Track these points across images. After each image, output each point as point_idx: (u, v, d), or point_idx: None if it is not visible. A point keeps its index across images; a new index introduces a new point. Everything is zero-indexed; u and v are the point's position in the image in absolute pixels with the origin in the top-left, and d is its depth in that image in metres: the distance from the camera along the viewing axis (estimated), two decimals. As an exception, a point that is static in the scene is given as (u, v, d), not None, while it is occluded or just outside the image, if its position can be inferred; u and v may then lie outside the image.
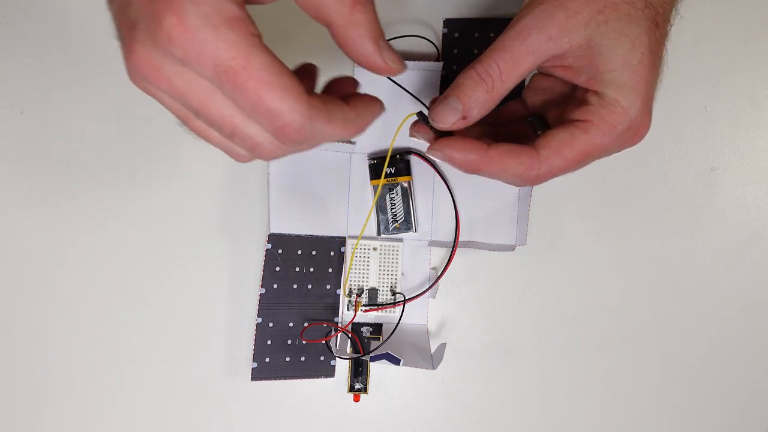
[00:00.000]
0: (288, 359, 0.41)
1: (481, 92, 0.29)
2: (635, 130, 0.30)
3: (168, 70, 0.22)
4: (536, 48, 0.29)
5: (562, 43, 0.28)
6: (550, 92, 0.35)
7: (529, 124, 0.34)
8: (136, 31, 0.22)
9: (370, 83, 0.40)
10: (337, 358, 0.42)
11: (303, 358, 0.41)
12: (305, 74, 0.29)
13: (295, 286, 0.41)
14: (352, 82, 0.30)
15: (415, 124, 0.34)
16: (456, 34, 0.41)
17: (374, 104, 0.28)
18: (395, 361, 0.38)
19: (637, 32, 0.28)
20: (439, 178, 0.41)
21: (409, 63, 0.40)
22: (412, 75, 0.41)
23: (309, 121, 0.23)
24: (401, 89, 0.38)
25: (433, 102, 0.32)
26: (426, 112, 0.32)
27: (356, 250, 0.42)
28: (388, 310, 0.42)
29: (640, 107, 0.29)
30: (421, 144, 0.42)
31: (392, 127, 0.41)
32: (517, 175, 0.30)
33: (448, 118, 0.30)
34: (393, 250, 0.42)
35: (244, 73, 0.21)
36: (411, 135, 0.35)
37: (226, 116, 0.23)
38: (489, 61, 0.29)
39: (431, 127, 0.32)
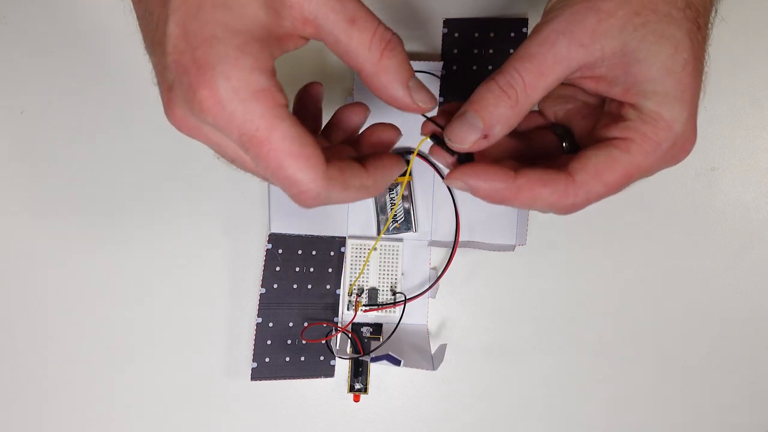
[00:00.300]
0: (288, 359, 0.41)
1: (503, 107, 0.26)
2: (681, 146, 0.27)
3: (204, 129, 0.24)
4: (565, 56, 0.25)
5: (595, 50, 0.25)
6: (572, 101, 0.31)
7: (553, 132, 0.31)
8: (172, 92, 0.24)
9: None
10: (337, 358, 0.42)
11: (303, 358, 0.41)
12: (332, 127, 0.30)
13: (295, 286, 0.41)
14: (394, 133, 0.30)
15: (431, 147, 0.30)
16: (456, 34, 0.41)
17: (393, 167, 0.28)
18: (396, 362, 0.38)
19: (679, 35, 0.25)
20: (439, 178, 0.41)
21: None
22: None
23: (325, 191, 0.24)
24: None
25: (443, 115, 0.29)
26: (435, 122, 0.29)
27: (356, 250, 0.42)
28: (388, 310, 0.42)
29: (686, 119, 0.26)
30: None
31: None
32: (550, 204, 0.27)
33: (467, 137, 0.27)
34: (393, 250, 0.42)
35: (267, 143, 0.23)
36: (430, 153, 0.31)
37: (257, 169, 0.25)
38: (512, 72, 0.26)
39: (447, 149, 0.28)
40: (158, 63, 0.24)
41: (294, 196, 0.25)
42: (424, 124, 0.29)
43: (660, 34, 0.25)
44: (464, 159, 0.28)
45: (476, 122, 0.26)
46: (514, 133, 0.31)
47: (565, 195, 0.26)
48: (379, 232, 0.42)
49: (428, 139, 0.29)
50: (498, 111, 0.26)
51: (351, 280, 0.42)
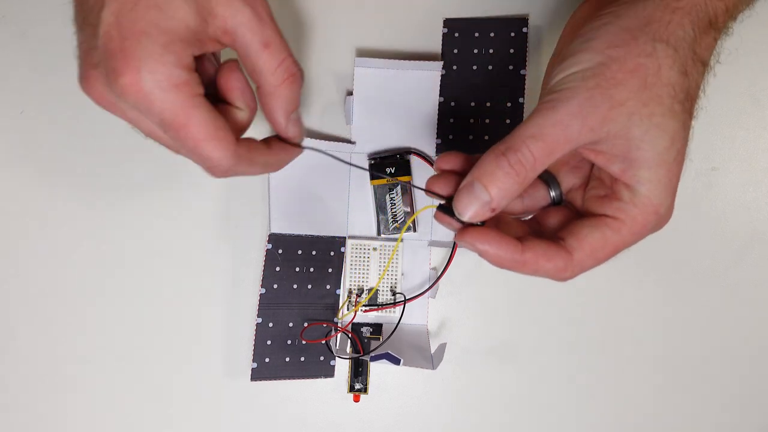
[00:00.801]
0: (288, 359, 0.41)
1: (512, 183, 0.27)
2: (660, 224, 0.30)
3: (121, 106, 0.28)
4: (575, 137, 0.27)
5: (602, 132, 0.27)
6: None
7: (541, 178, 0.32)
8: (97, 70, 0.27)
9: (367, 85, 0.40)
10: (337, 358, 0.42)
11: (303, 358, 0.41)
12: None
13: (295, 286, 0.41)
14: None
15: (437, 213, 0.30)
16: (456, 34, 0.41)
17: (292, 151, 0.32)
18: (395, 361, 0.38)
19: (677, 128, 0.28)
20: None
21: (409, 63, 0.40)
22: (413, 74, 0.41)
23: (234, 166, 0.28)
24: (404, 87, 0.38)
25: (443, 177, 0.30)
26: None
27: (356, 251, 0.42)
28: (388, 310, 0.42)
29: (669, 203, 0.29)
30: (420, 144, 0.42)
31: (391, 127, 0.41)
32: (548, 275, 0.29)
33: (477, 212, 0.28)
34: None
35: (185, 128, 0.26)
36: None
37: (170, 143, 0.29)
38: (524, 149, 0.27)
39: (455, 217, 0.29)
40: (85, 41, 0.27)
41: (207, 169, 0.29)
42: (427, 191, 0.31)
43: (663, 127, 0.27)
44: (471, 224, 0.30)
45: (484, 196, 0.28)
46: None
47: (564, 270, 0.29)
48: (379, 232, 0.42)
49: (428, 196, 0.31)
50: (506, 186, 0.28)
51: (351, 280, 0.42)
